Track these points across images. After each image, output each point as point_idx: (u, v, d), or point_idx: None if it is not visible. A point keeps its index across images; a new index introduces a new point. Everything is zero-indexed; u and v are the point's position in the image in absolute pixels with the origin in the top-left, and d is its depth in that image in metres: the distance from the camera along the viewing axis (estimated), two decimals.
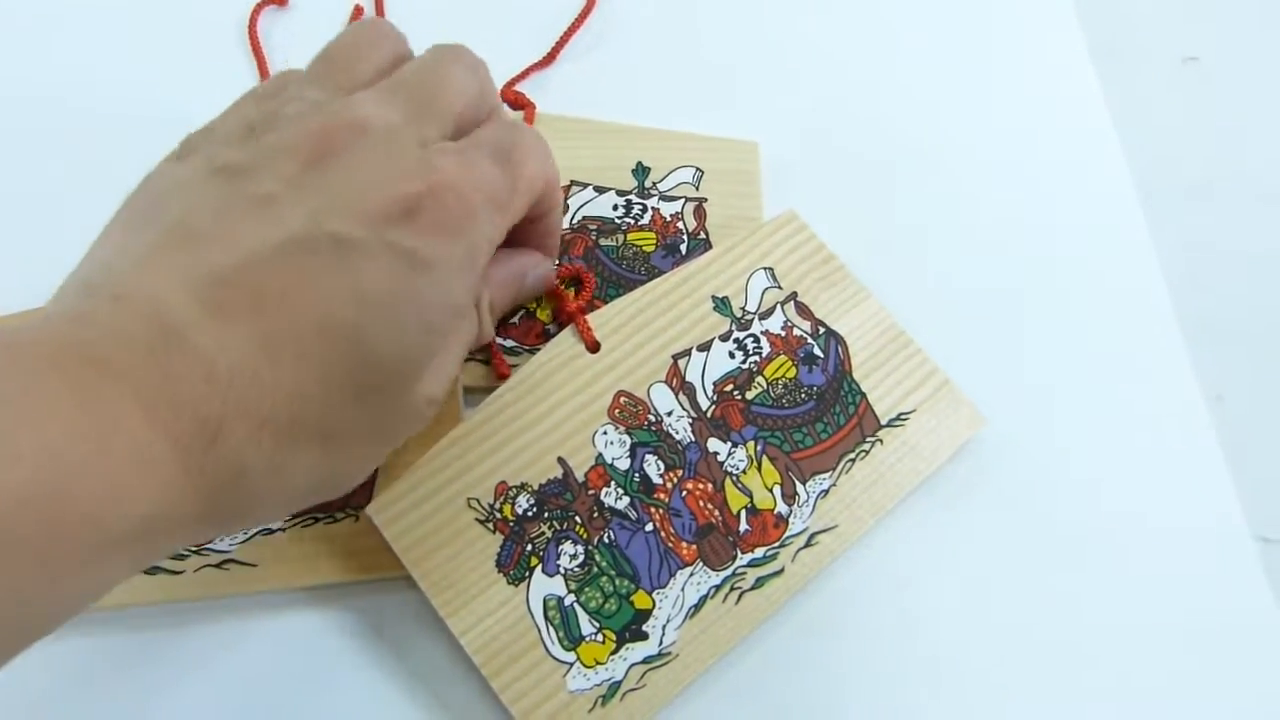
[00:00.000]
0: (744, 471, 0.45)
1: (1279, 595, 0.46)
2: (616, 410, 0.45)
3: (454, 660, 0.43)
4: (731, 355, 0.46)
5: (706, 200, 0.52)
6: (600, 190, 0.52)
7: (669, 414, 0.45)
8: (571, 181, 0.52)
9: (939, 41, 0.60)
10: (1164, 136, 0.59)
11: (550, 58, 0.57)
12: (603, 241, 0.51)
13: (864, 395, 0.47)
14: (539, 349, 0.46)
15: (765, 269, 0.48)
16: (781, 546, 0.44)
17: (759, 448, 0.45)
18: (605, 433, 0.44)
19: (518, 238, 0.42)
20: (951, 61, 0.60)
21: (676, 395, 0.45)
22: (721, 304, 0.47)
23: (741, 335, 0.47)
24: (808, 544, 0.44)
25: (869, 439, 0.46)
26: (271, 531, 0.44)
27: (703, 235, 0.51)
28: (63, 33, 0.58)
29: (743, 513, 0.44)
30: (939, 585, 0.46)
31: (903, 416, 0.47)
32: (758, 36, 0.60)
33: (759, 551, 0.44)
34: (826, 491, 0.45)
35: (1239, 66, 0.62)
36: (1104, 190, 0.56)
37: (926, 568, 0.47)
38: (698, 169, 0.53)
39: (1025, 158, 0.57)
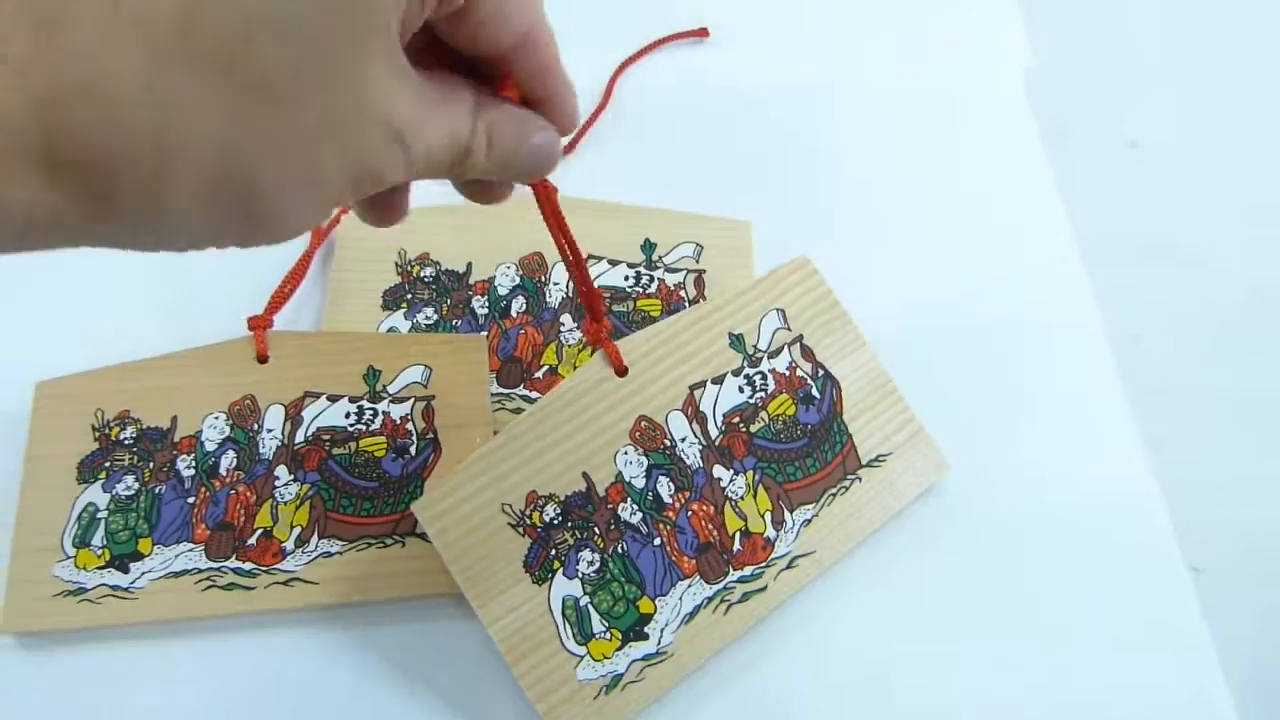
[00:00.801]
0: (742, 498, 0.51)
1: (1209, 616, 0.53)
2: (637, 434, 0.50)
3: (483, 669, 0.50)
4: (741, 390, 0.52)
5: (705, 272, 0.59)
6: (613, 263, 0.60)
7: (683, 440, 0.51)
8: (589, 255, 0.59)
9: (906, 136, 0.69)
10: (1108, 210, 0.67)
11: (570, 148, 0.64)
12: (615, 308, 0.58)
13: (850, 436, 0.53)
14: None
15: (778, 310, 0.54)
16: (767, 566, 0.50)
17: (756, 477, 0.51)
18: (626, 453, 0.50)
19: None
20: (918, 152, 0.68)
21: (690, 424, 0.51)
22: (736, 341, 0.53)
23: (752, 372, 0.53)
24: (789, 566, 0.50)
25: (850, 476, 0.52)
26: (330, 555, 0.51)
27: (704, 300, 0.58)
28: None
29: (738, 534, 0.50)
30: (899, 608, 0.53)
31: (881, 458, 0.53)
32: (751, 131, 0.68)
33: (748, 570, 0.50)
34: (809, 520, 0.51)
35: (1176, 149, 0.71)
36: (1053, 260, 0.64)
37: (889, 591, 0.53)
38: (698, 244, 0.60)
39: (983, 235, 0.65)
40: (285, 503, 0.52)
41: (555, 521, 0.48)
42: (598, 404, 0.50)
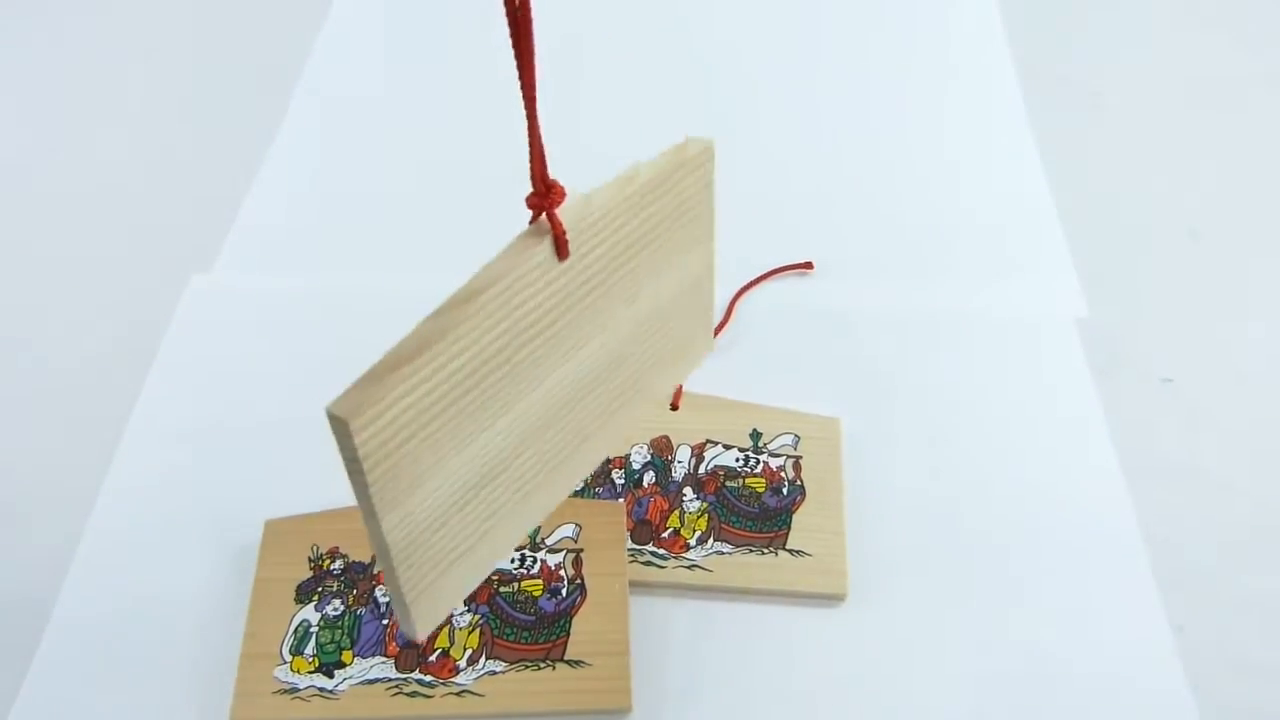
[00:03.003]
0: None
1: None
2: None
3: None
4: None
5: (802, 458, 0.71)
6: (727, 447, 0.72)
7: None
8: (707, 440, 0.72)
9: (975, 367, 0.80)
10: (1148, 431, 0.76)
11: None
12: (728, 484, 0.70)
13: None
14: None
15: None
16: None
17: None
18: None
19: None
20: (984, 381, 0.78)
21: None
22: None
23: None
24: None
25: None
26: (494, 673, 0.61)
27: (799, 482, 0.70)
28: None
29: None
30: None
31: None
32: (842, 347, 0.80)
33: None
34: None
35: (1208, 385, 0.79)
36: (1098, 477, 0.72)
37: None
38: (796, 435, 0.72)
39: (1037, 453, 0.74)
40: (460, 629, 0.62)
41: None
42: None
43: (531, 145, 0.41)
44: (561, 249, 0.42)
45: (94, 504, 0.71)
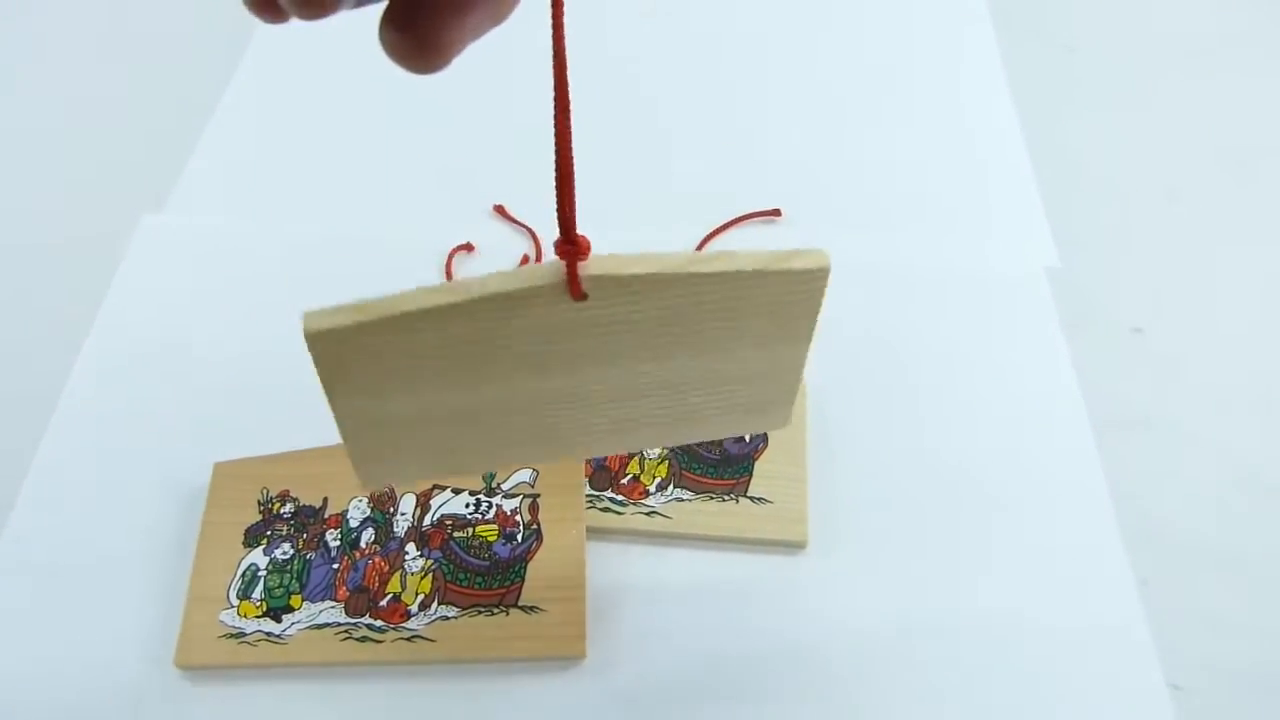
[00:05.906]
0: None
1: None
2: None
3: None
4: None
5: None
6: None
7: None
8: None
9: (943, 318, 0.78)
10: (1116, 383, 0.75)
11: None
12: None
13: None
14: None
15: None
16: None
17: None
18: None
19: None
20: (951, 331, 0.77)
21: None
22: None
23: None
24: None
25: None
26: (447, 619, 0.60)
27: None
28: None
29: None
30: None
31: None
32: None
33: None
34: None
35: (1178, 336, 0.78)
36: (1065, 428, 0.72)
37: None
38: None
39: (1006, 405, 0.73)
40: (413, 573, 0.61)
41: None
42: None
43: (561, 191, 0.39)
44: (574, 291, 0.39)
45: (40, 443, 0.70)
